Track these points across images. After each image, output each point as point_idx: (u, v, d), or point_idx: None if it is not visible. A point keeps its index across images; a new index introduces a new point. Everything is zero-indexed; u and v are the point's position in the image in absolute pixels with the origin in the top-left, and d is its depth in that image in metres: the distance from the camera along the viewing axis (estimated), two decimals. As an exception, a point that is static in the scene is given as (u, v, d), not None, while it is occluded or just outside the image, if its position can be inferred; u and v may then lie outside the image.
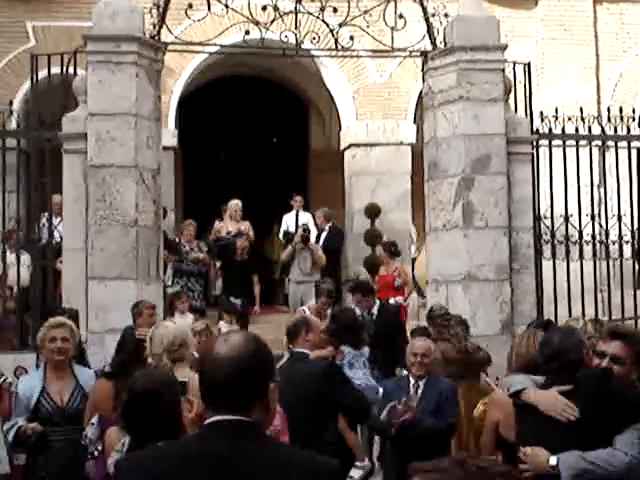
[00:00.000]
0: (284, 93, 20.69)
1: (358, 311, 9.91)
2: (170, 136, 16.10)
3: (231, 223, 15.24)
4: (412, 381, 7.39)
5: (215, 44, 11.38)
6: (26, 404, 6.57)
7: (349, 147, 17.40)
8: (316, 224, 15.95)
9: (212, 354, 2.79)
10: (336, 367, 7.10)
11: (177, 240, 14.70)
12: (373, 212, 16.22)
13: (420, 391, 7.51)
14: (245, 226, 15.32)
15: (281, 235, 16.54)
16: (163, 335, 5.62)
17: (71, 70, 10.38)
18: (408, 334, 9.49)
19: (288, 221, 16.45)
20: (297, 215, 16.36)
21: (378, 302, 10.82)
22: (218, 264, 15.20)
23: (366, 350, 8.51)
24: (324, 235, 15.52)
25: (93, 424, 6.07)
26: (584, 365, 4.82)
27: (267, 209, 19.44)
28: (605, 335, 4.90)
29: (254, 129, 21.93)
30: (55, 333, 6.74)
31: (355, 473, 7.41)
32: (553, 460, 4.55)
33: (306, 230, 14.84)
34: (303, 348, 6.79)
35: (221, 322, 11.82)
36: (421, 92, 12.04)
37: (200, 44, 11.89)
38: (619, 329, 5.08)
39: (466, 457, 2.22)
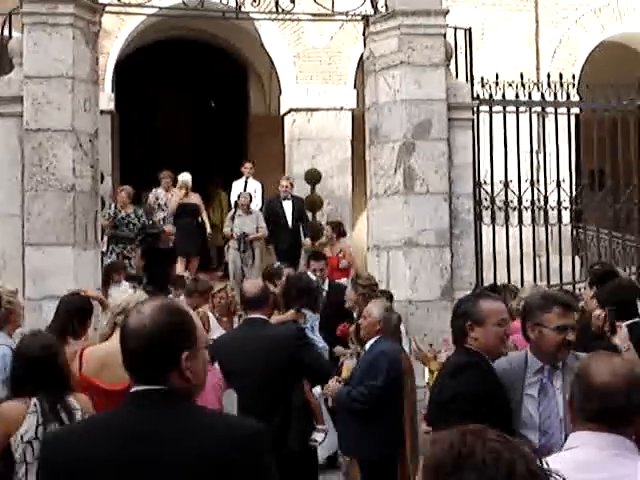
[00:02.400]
0: (223, 57, 20.52)
1: (313, 277, 9.90)
2: (107, 100, 15.88)
3: (182, 197, 15.12)
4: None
5: (153, 6, 11.25)
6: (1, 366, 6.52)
7: (289, 112, 17.32)
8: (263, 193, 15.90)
9: (125, 325, 2.83)
10: (303, 330, 7.16)
11: (112, 206, 14.52)
12: (313, 178, 16.16)
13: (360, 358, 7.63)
14: (197, 199, 15.30)
15: (232, 203, 16.32)
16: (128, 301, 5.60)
17: (6, 32, 10.14)
18: None
19: (237, 188, 16.21)
20: (246, 182, 16.17)
21: (327, 282, 10.77)
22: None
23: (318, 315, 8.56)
24: (288, 205, 15.11)
25: None
26: (464, 336, 4.65)
27: (205, 174, 19.32)
28: (566, 306, 4.75)
29: (192, 93, 21.77)
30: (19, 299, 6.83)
31: (318, 437, 7.49)
32: None
33: (246, 197, 14.81)
34: (260, 315, 6.79)
35: (169, 297, 11.71)
36: (362, 57, 11.99)
37: (138, 5, 11.68)
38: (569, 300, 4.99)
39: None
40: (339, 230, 13.99)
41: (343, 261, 13.51)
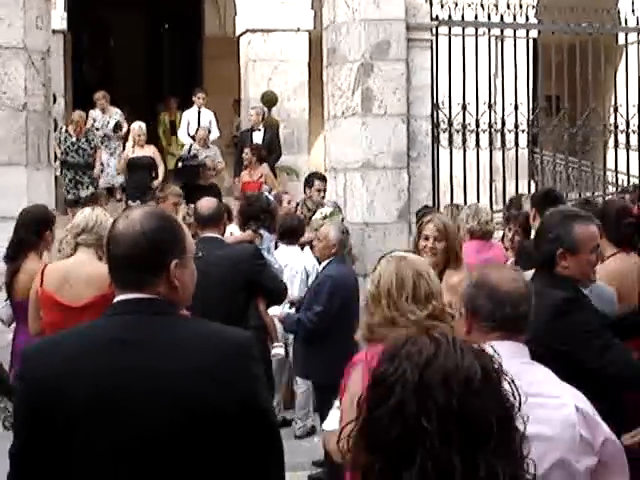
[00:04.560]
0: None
1: (271, 198, 9.88)
2: (59, 19, 15.53)
3: (136, 148, 14.45)
4: None
5: None
6: None
7: (245, 33, 17.04)
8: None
9: (111, 232, 2.73)
10: (259, 251, 7.12)
11: (63, 130, 14.24)
12: (270, 100, 15.96)
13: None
14: (151, 151, 14.68)
15: (181, 134, 15.92)
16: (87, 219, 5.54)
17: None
18: None
19: (189, 119, 15.78)
20: (199, 113, 15.81)
21: None
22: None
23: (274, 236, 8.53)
24: (259, 135, 14.61)
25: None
26: (553, 264, 4.28)
27: (157, 97, 19.10)
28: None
29: (145, 14, 21.37)
30: None
31: (279, 350, 7.55)
32: None
33: (204, 131, 14.54)
34: (216, 234, 6.73)
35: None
36: (320, -25, 11.80)
37: None
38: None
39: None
40: (259, 154, 13.63)
41: (265, 186, 13.09)
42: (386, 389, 1.98)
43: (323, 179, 10.58)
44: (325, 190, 10.42)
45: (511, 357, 2.89)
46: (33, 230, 6.42)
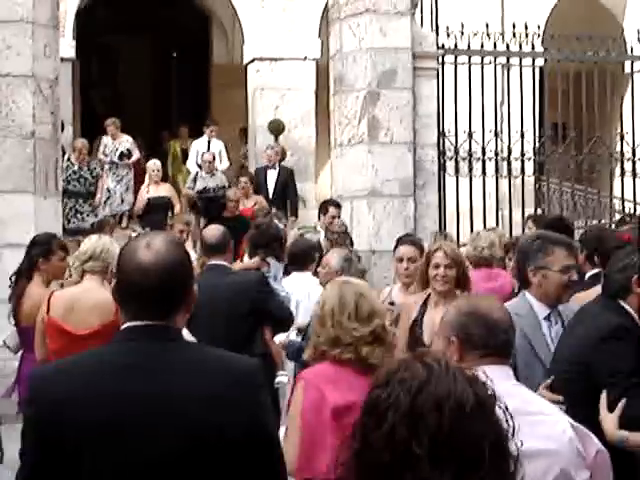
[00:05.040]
0: (186, 5, 20.23)
1: (281, 225, 9.89)
2: (67, 47, 15.64)
3: (152, 186, 14.34)
4: None
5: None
6: None
7: (252, 61, 17.13)
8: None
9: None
10: (266, 278, 7.12)
11: (67, 158, 14.20)
12: (277, 128, 16.02)
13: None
14: (167, 189, 14.58)
15: (189, 164, 15.83)
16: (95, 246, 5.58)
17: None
18: None
19: (199, 149, 15.64)
20: (209, 143, 15.79)
21: None
22: (202, 222, 13.10)
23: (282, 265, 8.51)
24: (273, 174, 14.32)
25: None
26: (626, 293, 4.28)
27: (165, 125, 19.18)
28: (567, 246, 4.76)
29: (154, 42, 21.49)
30: None
31: (283, 378, 7.51)
32: None
33: (210, 156, 14.48)
34: (222, 261, 6.73)
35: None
36: (326, 5, 11.87)
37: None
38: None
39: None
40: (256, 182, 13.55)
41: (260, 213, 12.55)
42: (379, 415, 2.00)
43: (337, 206, 10.52)
44: (340, 217, 10.36)
45: (505, 380, 3.03)
46: (31, 257, 6.54)
